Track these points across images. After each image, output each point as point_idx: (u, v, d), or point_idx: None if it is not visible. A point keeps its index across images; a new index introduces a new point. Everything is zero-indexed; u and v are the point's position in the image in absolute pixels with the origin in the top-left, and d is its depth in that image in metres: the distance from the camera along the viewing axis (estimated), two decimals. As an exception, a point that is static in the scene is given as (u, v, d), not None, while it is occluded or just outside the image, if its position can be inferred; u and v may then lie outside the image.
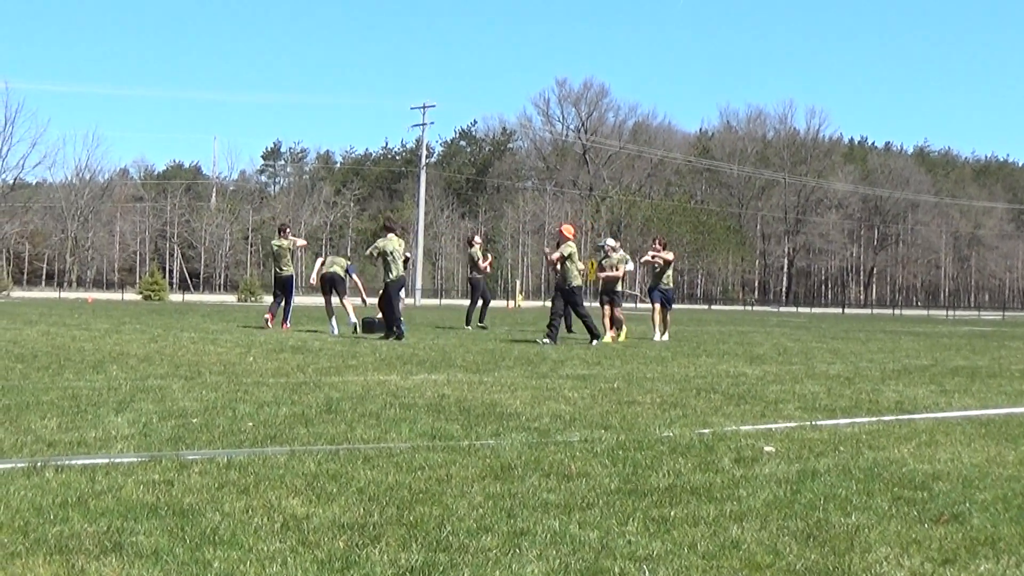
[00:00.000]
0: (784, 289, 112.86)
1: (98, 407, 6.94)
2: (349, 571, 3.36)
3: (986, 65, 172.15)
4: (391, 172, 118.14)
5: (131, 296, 59.08)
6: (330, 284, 18.81)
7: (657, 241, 19.57)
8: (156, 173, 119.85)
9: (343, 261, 19.22)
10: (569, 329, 19.81)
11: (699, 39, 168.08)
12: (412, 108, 66.84)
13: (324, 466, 4.99)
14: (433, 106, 65.47)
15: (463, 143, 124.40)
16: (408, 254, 21.75)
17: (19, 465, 4.82)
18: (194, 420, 6.45)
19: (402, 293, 21.30)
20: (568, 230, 17.50)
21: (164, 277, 65.72)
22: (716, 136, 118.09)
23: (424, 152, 70.47)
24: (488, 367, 11.22)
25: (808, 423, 7.07)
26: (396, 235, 17.03)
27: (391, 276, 16.56)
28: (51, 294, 65.92)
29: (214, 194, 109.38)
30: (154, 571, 3.30)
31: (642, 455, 5.57)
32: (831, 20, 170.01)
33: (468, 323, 21.24)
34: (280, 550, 3.55)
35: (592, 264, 19.12)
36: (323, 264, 19.30)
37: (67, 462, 4.89)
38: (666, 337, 18.47)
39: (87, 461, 4.96)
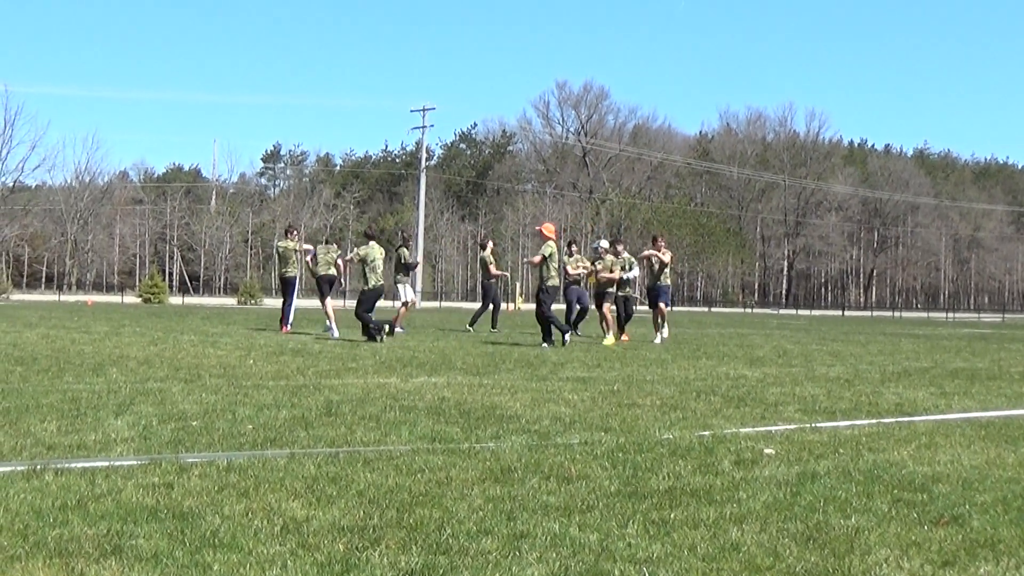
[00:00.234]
0: (784, 291, 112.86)
1: (98, 410, 6.94)
2: (349, 574, 3.36)
3: (986, 67, 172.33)
4: (391, 175, 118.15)
5: (131, 299, 59.08)
6: (328, 285, 18.85)
7: (658, 240, 19.47)
8: (156, 176, 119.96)
9: (334, 256, 19.12)
10: (575, 330, 19.81)
11: (699, 41, 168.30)
12: (412, 110, 66.86)
13: (324, 469, 4.99)
14: (433, 108, 65.47)
15: (463, 146, 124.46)
16: (418, 260, 21.71)
17: (19, 468, 4.82)
18: (194, 423, 6.45)
19: (410, 294, 21.40)
20: (548, 229, 17.37)
21: (164, 280, 65.72)
22: (716, 138, 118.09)
23: (424, 155, 70.47)
24: (488, 370, 11.22)
25: (808, 425, 7.07)
26: (377, 243, 17.07)
27: (370, 284, 16.66)
28: (51, 297, 65.95)
29: (214, 197, 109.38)
30: (154, 574, 3.30)
31: (642, 457, 5.57)
32: (831, 22, 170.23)
33: (489, 327, 21.18)
34: (280, 553, 3.55)
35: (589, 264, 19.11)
36: (315, 257, 19.21)
37: (67, 465, 4.89)
38: (665, 332, 18.43)
39: (87, 464, 4.95)
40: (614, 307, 18.92)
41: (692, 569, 3.49)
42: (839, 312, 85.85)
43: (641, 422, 7.08)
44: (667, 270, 19.13)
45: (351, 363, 11.64)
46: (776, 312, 78.72)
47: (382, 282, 16.96)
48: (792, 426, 7.05)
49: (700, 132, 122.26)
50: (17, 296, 59.71)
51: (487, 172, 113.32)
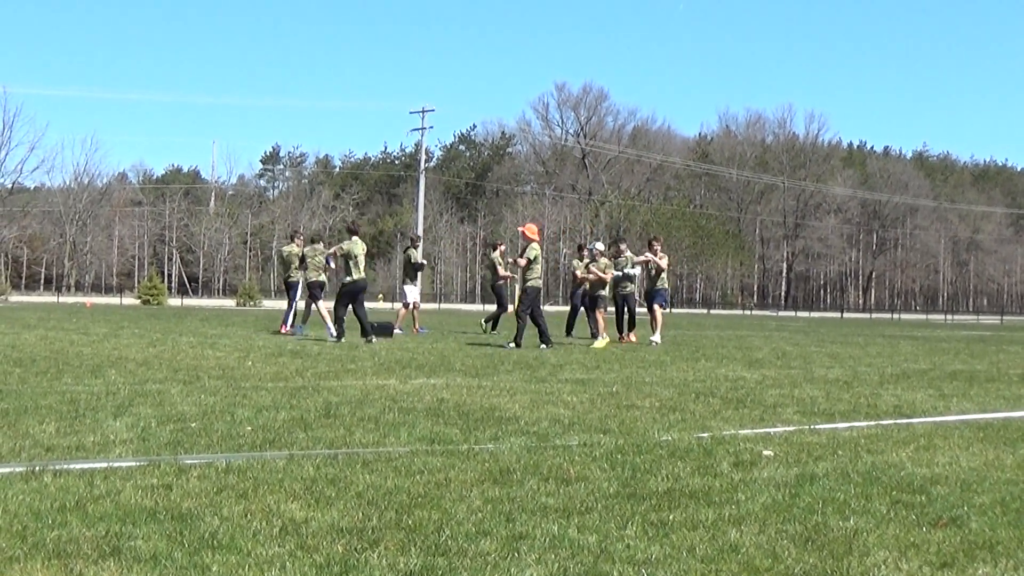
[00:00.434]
0: (783, 293, 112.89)
1: (96, 411, 6.94)
2: (347, 575, 3.37)
3: (985, 69, 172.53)
4: (390, 176, 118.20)
5: (130, 300, 59.07)
6: (320, 289, 19.03)
7: (654, 243, 19.44)
8: (155, 177, 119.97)
9: (321, 259, 19.14)
10: (569, 332, 19.84)
11: (698, 43, 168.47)
12: (411, 112, 67.02)
13: (323, 470, 4.99)
14: (432, 110, 65.60)
15: (462, 147, 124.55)
16: (424, 261, 21.81)
17: (17, 469, 4.81)
18: (193, 424, 6.45)
19: (413, 296, 21.37)
20: (531, 230, 17.21)
21: (163, 281, 65.72)
22: (715, 140, 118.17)
23: (423, 156, 70.52)
24: (487, 371, 11.22)
25: (807, 427, 7.08)
26: (360, 238, 17.09)
27: (351, 277, 16.67)
28: (49, 298, 65.93)
29: (213, 198, 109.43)
30: (152, 575, 3.30)
31: (641, 459, 5.57)
32: (830, 24, 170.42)
33: (494, 327, 21.19)
34: (279, 554, 3.55)
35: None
36: (304, 259, 19.31)
37: (65, 466, 4.89)
38: (657, 338, 18.23)
39: (85, 465, 4.95)
40: (611, 309, 18.90)
41: (691, 570, 3.49)
42: (838, 314, 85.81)
43: (640, 424, 7.09)
44: (664, 274, 19.11)
45: (350, 365, 11.64)
46: (775, 314, 78.73)
47: (363, 276, 16.98)
48: (791, 428, 7.06)
49: (699, 134, 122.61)
50: (16, 298, 59.72)
51: (486, 174, 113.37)
